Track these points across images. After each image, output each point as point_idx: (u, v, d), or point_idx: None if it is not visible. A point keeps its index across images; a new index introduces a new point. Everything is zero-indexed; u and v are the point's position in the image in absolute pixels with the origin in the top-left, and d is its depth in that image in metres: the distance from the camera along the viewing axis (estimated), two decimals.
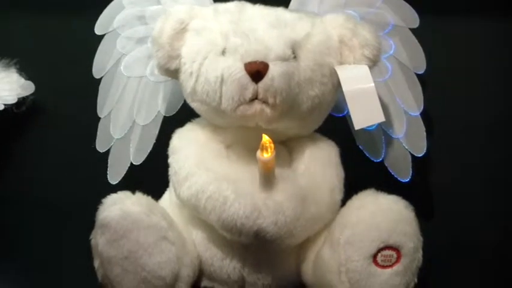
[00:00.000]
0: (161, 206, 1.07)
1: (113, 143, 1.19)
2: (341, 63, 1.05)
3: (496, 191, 1.29)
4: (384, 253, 0.99)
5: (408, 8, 1.17)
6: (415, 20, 1.18)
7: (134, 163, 1.18)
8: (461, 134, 1.29)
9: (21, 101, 1.24)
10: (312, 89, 1.02)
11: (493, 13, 1.26)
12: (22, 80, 1.26)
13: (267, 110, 0.97)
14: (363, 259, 0.98)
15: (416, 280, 1.02)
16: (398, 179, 1.19)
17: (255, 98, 0.97)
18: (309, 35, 1.03)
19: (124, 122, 1.18)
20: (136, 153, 1.18)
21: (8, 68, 1.26)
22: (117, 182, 1.18)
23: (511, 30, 1.27)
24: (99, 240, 0.99)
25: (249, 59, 0.96)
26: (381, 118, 1.01)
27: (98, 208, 1.01)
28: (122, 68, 1.18)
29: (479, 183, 1.29)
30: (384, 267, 0.99)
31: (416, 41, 1.18)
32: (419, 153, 1.19)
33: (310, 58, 1.02)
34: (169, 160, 1.07)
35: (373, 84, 1.01)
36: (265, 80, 0.96)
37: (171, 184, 1.09)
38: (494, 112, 1.28)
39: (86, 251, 1.02)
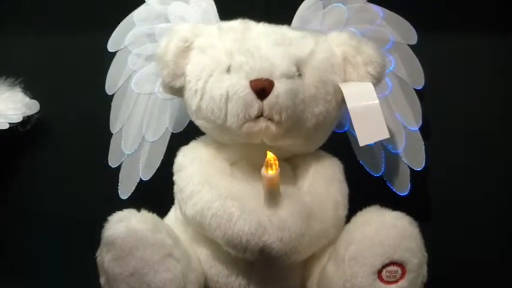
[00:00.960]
0: (166, 224, 1.08)
1: (123, 159, 1.20)
2: (345, 80, 1.06)
3: (495, 204, 1.29)
4: (389, 269, 0.99)
5: (407, 24, 1.19)
6: (413, 37, 1.19)
7: (143, 179, 1.19)
8: (459, 147, 1.30)
9: (26, 120, 1.25)
10: (316, 106, 1.03)
11: (490, 29, 1.28)
12: (27, 99, 1.26)
13: (272, 127, 0.98)
14: (367, 275, 0.99)
15: None
16: (397, 192, 1.20)
17: (260, 115, 0.97)
18: (313, 52, 1.04)
19: (134, 138, 1.20)
20: (145, 169, 1.19)
21: (13, 87, 1.27)
22: (127, 197, 1.19)
23: (506, 45, 1.29)
24: (105, 257, 0.99)
25: (254, 77, 0.97)
26: (386, 135, 1.02)
27: (103, 225, 1.01)
28: (132, 84, 1.19)
29: (478, 196, 1.29)
30: (388, 283, 0.99)
31: (415, 56, 1.19)
32: (418, 167, 1.20)
33: (315, 75, 1.03)
34: (174, 178, 1.08)
35: (377, 101, 1.02)
36: (271, 98, 0.97)
37: (176, 201, 1.09)
38: (492, 126, 1.30)
39: (92, 269, 1.01)
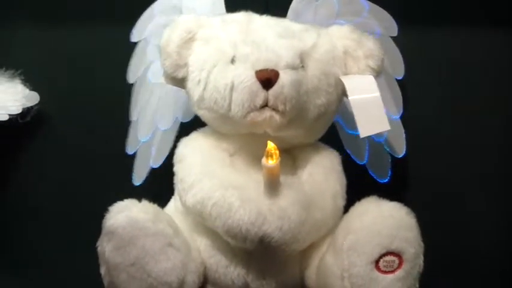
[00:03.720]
0: (167, 213, 1.08)
1: (139, 146, 1.21)
2: (345, 73, 1.07)
3: (475, 190, 1.31)
4: (386, 259, 1.00)
5: (389, 17, 1.20)
6: (394, 29, 1.20)
7: (153, 166, 1.20)
8: (438, 136, 1.32)
9: (26, 112, 1.25)
10: (318, 98, 1.04)
11: (467, 22, 1.30)
12: (27, 91, 1.27)
13: (277, 117, 0.99)
14: (365, 264, 1.00)
15: (417, 286, 1.03)
16: (377, 179, 1.22)
17: (265, 105, 0.98)
18: (316, 45, 1.06)
19: (149, 127, 1.21)
20: (155, 157, 1.21)
21: (13, 78, 1.26)
22: (139, 183, 1.21)
23: (483, 37, 1.31)
24: (105, 247, 1.00)
25: (259, 67, 0.98)
26: (387, 126, 1.03)
27: (104, 216, 1.02)
28: (149, 74, 1.20)
29: (459, 182, 1.31)
30: (386, 272, 1.00)
31: (396, 47, 1.21)
32: (399, 154, 1.22)
33: (317, 68, 1.05)
34: (175, 168, 1.08)
35: (379, 94, 1.03)
36: (276, 88, 0.98)
37: (176, 192, 1.09)
38: (472, 113, 1.31)
39: (93, 258, 1.02)
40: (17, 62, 1.28)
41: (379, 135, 1.20)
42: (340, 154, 1.13)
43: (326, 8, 1.19)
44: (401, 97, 1.22)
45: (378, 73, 1.08)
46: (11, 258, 1.32)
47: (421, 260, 1.02)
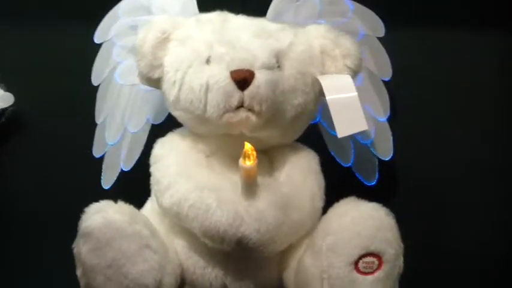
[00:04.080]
0: (143, 215, 1.07)
1: (107, 149, 1.20)
2: (323, 73, 1.07)
3: (461, 193, 1.31)
4: (366, 260, 0.99)
5: (375, 17, 1.20)
6: (381, 29, 1.20)
7: (124, 169, 1.19)
8: (426, 138, 1.32)
9: (1, 113, 1.25)
10: (295, 98, 1.04)
11: (454, 23, 1.30)
12: (1, 92, 1.26)
13: (253, 118, 0.98)
14: (344, 266, 0.99)
15: (397, 287, 1.02)
16: (364, 182, 1.22)
17: (240, 105, 0.98)
18: (292, 44, 1.05)
19: (117, 129, 1.20)
20: (126, 159, 1.19)
21: None
22: (109, 187, 1.20)
23: (471, 38, 1.31)
24: (82, 248, 0.98)
25: (234, 67, 0.98)
26: (364, 126, 1.03)
27: (80, 217, 1.01)
28: (116, 76, 1.19)
29: (447, 185, 1.31)
30: (365, 273, 1.00)
31: (383, 48, 1.21)
32: (387, 157, 1.22)
33: (294, 67, 1.04)
34: (151, 169, 1.08)
35: (356, 93, 1.03)
36: (251, 88, 0.97)
37: (152, 193, 1.09)
38: (458, 116, 1.32)
39: (69, 260, 1.01)
40: None
41: (365, 137, 1.20)
42: (326, 156, 1.13)
43: (307, 8, 1.18)
44: (388, 99, 1.22)
45: (355, 73, 1.08)
46: None
47: (401, 261, 1.02)
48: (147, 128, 1.20)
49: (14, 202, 1.31)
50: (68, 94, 1.28)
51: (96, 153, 1.21)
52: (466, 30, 1.30)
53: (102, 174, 1.20)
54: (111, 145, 1.20)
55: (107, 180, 1.20)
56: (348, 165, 1.22)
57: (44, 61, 1.31)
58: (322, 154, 1.15)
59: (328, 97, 1.03)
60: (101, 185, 1.20)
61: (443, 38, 1.31)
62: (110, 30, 1.19)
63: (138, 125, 1.20)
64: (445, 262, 1.29)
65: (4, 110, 1.25)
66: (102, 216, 0.99)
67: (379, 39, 1.21)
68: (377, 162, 1.22)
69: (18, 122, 1.29)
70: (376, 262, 1.00)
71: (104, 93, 1.20)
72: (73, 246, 1.00)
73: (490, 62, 1.32)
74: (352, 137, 1.20)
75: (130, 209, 1.04)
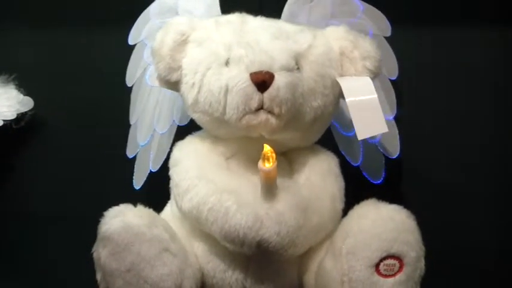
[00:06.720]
0: (163, 218, 1.07)
1: (139, 150, 1.20)
2: (341, 75, 1.06)
3: (468, 191, 1.31)
4: (386, 262, 0.99)
5: (383, 18, 1.20)
6: (388, 29, 1.20)
7: (152, 170, 1.20)
8: (432, 136, 1.31)
9: (20, 117, 1.25)
10: (314, 100, 1.03)
11: (460, 22, 1.30)
12: (21, 96, 1.26)
13: (272, 120, 0.98)
14: (365, 268, 0.98)
15: None
16: (371, 181, 1.22)
17: (260, 108, 0.97)
18: (311, 46, 1.04)
19: (147, 130, 1.21)
20: (154, 160, 1.20)
21: (7, 83, 1.26)
22: (140, 187, 1.20)
23: (477, 37, 1.30)
24: (101, 253, 0.98)
25: (254, 69, 0.97)
26: (384, 128, 1.02)
27: (99, 221, 1.01)
28: (146, 77, 1.19)
29: (454, 183, 1.31)
30: (386, 276, 0.99)
31: (390, 48, 1.21)
32: (393, 156, 1.22)
33: (313, 69, 1.03)
34: (170, 172, 1.07)
35: (376, 95, 1.02)
36: (271, 90, 0.96)
37: (172, 196, 1.09)
38: (463, 114, 1.31)
39: (89, 264, 1.01)
40: (11, 67, 1.27)
41: (373, 136, 1.19)
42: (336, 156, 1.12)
43: (320, 8, 1.19)
44: (395, 98, 1.22)
45: (375, 74, 1.07)
46: (7, 264, 1.32)
47: (422, 264, 1.01)
48: (173, 130, 1.20)
49: (33, 206, 1.32)
50: (87, 98, 1.28)
51: (129, 153, 1.21)
52: (474, 28, 1.30)
53: (134, 174, 1.21)
54: (142, 146, 1.21)
55: (138, 180, 1.21)
56: (357, 165, 1.22)
57: (63, 65, 1.31)
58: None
59: (348, 99, 1.02)
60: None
61: (450, 37, 1.30)
62: (142, 31, 1.19)
63: (165, 126, 1.20)
64: (450, 260, 1.28)
65: (24, 114, 1.25)
66: (121, 220, 0.99)
67: (386, 38, 1.20)
68: (384, 161, 1.22)
69: (38, 126, 1.29)
70: (397, 265, 0.99)
71: (136, 94, 1.21)
72: (93, 250, 1.00)
73: (500, 59, 1.32)
74: None
75: (149, 213, 1.04)
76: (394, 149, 1.22)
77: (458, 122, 1.31)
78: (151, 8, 1.20)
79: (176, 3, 1.18)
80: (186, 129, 1.15)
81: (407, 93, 1.25)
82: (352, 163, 1.21)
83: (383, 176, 1.22)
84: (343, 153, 1.21)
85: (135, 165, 1.21)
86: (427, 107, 1.31)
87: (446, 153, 1.31)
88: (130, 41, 1.20)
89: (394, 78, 1.21)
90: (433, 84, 1.31)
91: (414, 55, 1.29)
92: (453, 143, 1.31)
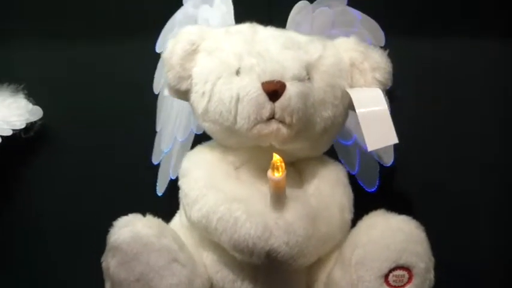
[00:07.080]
0: (172, 228, 1.07)
1: (162, 156, 1.21)
2: (351, 86, 1.06)
3: (462, 199, 1.31)
4: (396, 273, 0.99)
5: (377, 27, 1.20)
6: (381, 39, 1.21)
7: (172, 177, 1.20)
8: (426, 145, 1.32)
9: (30, 126, 1.25)
10: (325, 110, 1.03)
11: (453, 32, 1.31)
12: (30, 105, 1.26)
13: (283, 130, 0.98)
14: (374, 279, 0.99)
15: None
16: (365, 188, 1.22)
17: (271, 117, 0.97)
18: (322, 57, 1.05)
19: (170, 137, 1.21)
20: (174, 167, 1.20)
21: (16, 93, 1.26)
22: (162, 193, 1.21)
23: (469, 47, 1.31)
24: (110, 262, 0.99)
25: (266, 78, 0.97)
26: (395, 140, 1.02)
27: (108, 231, 1.01)
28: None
29: (447, 191, 1.31)
30: (395, 287, 0.99)
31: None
32: (387, 163, 1.23)
33: (323, 80, 1.04)
34: (179, 183, 1.07)
35: (386, 107, 1.02)
36: (282, 100, 0.97)
37: (181, 206, 1.08)
38: (459, 123, 1.32)
39: (98, 274, 1.01)
40: (20, 76, 1.27)
41: None
42: None
43: (322, 18, 1.19)
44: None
45: (384, 86, 1.07)
46: (16, 274, 1.31)
47: (431, 275, 1.01)
48: (191, 138, 1.21)
49: (42, 217, 1.32)
50: (96, 107, 1.28)
51: (155, 160, 1.22)
52: (467, 38, 1.30)
53: (158, 181, 1.22)
54: (166, 153, 1.21)
55: (161, 186, 1.22)
56: (353, 173, 1.22)
57: (71, 74, 1.31)
58: None
59: (358, 110, 1.02)
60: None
61: (443, 46, 1.31)
62: (167, 39, 1.17)
63: (185, 134, 1.21)
64: (447, 266, 1.27)
65: (33, 123, 1.25)
66: (130, 230, 0.99)
67: (380, 48, 1.20)
68: (378, 169, 1.22)
69: (47, 135, 1.29)
70: (407, 275, 0.99)
71: (161, 102, 1.22)
72: (102, 260, 1.00)
73: (492, 69, 1.32)
74: (359, 145, 1.21)
75: (158, 223, 1.04)
76: (388, 157, 1.22)
77: (453, 130, 1.31)
78: (176, 16, 1.21)
79: (196, 12, 1.19)
80: (204, 138, 1.15)
81: (401, 102, 1.24)
82: (350, 171, 1.20)
83: (377, 184, 1.22)
84: (342, 161, 1.20)
85: (158, 172, 1.22)
86: (421, 115, 1.31)
87: (440, 162, 1.31)
88: (158, 49, 1.20)
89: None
90: (427, 93, 1.31)
91: (408, 64, 1.28)
92: (448, 152, 1.31)
